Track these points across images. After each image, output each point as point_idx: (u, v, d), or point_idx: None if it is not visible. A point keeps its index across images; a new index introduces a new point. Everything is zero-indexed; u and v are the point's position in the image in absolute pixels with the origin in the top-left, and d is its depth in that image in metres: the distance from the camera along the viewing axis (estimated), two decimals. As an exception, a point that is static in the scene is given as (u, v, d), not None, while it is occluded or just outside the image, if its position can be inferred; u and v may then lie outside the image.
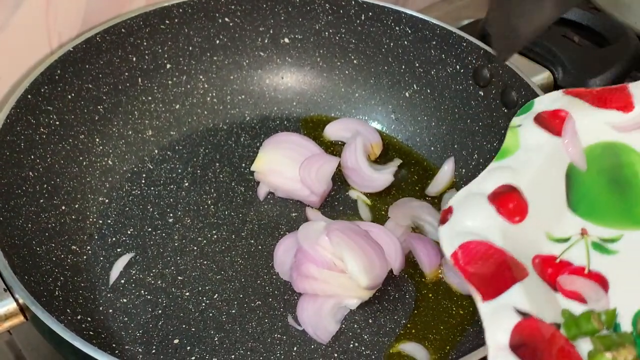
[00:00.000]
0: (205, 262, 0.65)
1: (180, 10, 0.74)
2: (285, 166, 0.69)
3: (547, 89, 0.76)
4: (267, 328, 0.60)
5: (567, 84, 0.75)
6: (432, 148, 0.76)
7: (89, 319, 0.59)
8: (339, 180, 0.73)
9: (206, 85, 0.78)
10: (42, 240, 0.61)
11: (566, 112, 0.61)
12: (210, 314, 0.61)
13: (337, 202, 0.71)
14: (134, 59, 0.73)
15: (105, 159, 0.71)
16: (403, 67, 0.77)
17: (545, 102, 0.63)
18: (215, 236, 0.67)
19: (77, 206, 0.66)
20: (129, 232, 0.67)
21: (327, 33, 0.78)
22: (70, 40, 0.70)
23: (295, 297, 0.62)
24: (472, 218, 0.55)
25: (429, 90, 0.76)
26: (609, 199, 0.59)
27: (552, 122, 0.61)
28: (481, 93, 0.72)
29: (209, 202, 0.70)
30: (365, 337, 0.61)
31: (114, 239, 0.66)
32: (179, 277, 0.63)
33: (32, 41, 0.69)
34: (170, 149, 0.74)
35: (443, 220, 0.55)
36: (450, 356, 0.60)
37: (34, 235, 0.60)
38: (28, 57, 0.69)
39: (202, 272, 0.64)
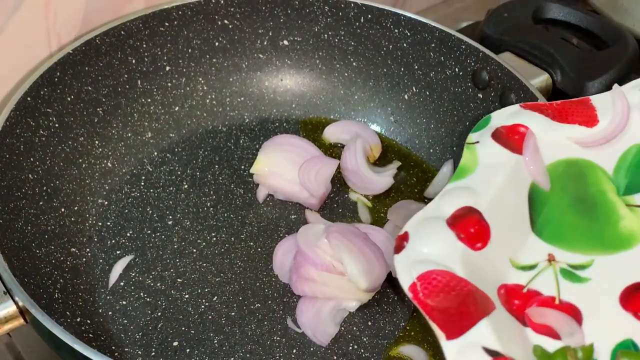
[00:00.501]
0: (204, 264, 0.65)
1: (180, 12, 0.74)
2: (284, 168, 0.69)
3: (546, 91, 0.76)
4: (267, 330, 0.61)
5: (566, 86, 0.75)
6: (431, 150, 0.76)
7: (89, 321, 0.59)
8: (338, 182, 0.73)
9: (205, 88, 0.78)
10: (41, 243, 0.61)
11: (526, 127, 0.57)
12: (210, 317, 0.61)
13: (337, 204, 0.71)
14: (134, 61, 0.73)
15: (105, 161, 0.71)
16: (402, 69, 0.77)
17: (503, 116, 0.59)
18: (214, 238, 0.67)
19: (76, 208, 0.66)
20: (128, 235, 0.67)
21: (326, 35, 0.78)
22: (69, 43, 0.70)
23: (295, 300, 0.62)
24: (430, 245, 0.50)
25: (428, 93, 0.76)
26: (576, 221, 0.55)
27: (511, 138, 0.57)
28: (480, 96, 0.72)
29: (209, 204, 0.70)
30: (365, 339, 0.61)
31: (113, 241, 0.66)
32: (179, 280, 0.63)
33: (31, 43, 0.69)
34: (169, 151, 0.74)
35: (398, 248, 0.50)
36: (450, 358, 0.60)
37: (33, 238, 0.60)
38: (27, 59, 0.69)
39: (201, 275, 0.64)
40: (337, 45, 0.79)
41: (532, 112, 0.59)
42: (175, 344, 0.59)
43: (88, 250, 0.65)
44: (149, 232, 0.67)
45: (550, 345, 0.49)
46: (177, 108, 0.76)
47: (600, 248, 0.55)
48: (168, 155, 0.74)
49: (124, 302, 0.61)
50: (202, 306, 0.62)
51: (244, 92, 0.79)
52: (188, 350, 0.59)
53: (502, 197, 0.54)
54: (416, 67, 0.76)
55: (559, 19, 0.86)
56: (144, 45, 0.73)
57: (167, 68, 0.75)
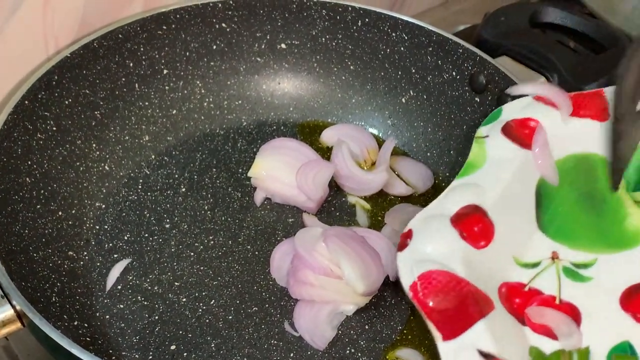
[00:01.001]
0: (202, 267, 0.65)
1: (178, 15, 0.74)
2: (282, 172, 0.69)
3: (543, 95, 0.76)
4: (264, 334, 0.61)
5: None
6: (429, 154, 0.76)
7: (86, 325, 0.59)
8: (336, 186, 0.73)
9: (203, 91, 0.78)
10: (38, 246, 0.61)
11: (536, 121, 0.57)
12: (207, 320, 0.61)
13: (334, 207, 0.71)
14: (131, 64, 0.73)
15: (102, 164, 0.71)
16: (399, 73, 0.77)
17: (514, 109, 0.59)
18: (212, 242, 0.67)
19: (73, 212, 0.66)
20: (125, 238, 0.67)
21: (323, 39, 0.78)
22: (67, 46, 0.70)
23: (292, 303, 0.62)
24: (433, 243, 0.50)
25: (425, 96, 0.76)
26: (583, 217, 0.55)
27: (521, 133, 0.57)
28: (477, 99, 0.72)
29: (206, 207, 0.70)
30: (362, 343, 0.61)
31: (110, 244, 0.66)
32: (176, 283, 0.63)
33: (28, 47, 0.69)
34: (167, 155, 0.74)
35: (402, 246, 0.50)
36: (447, 362, 0.60)
37: (30, 241, 0.60)
38: (25, 62, 0.69)
39: (199, 278, 0.64)
40: (334, 48, 0.79)
41: (544, 105, 0.58)
42: (173, 347, 0.59)
43: (85, 253, 0.65)
44: (147, 235, 0.67)
45: (548, 346, 0.49)
46: (174, 111, 0.76)
47: (604, 246, 0.54)
48: (165, 158, 0.74)
49: (122, 306, 0.61)
50: (200, 310, 0.62)
51: (242, 95, 0.79)
52: (185, 353, 0.59)
53: (509, 194, 0.54)
54: (413, 70, 0.76)
55: (555, 22, 0.86)
56: (142, 49, 0.73)
57: (165, 71, 0.75)
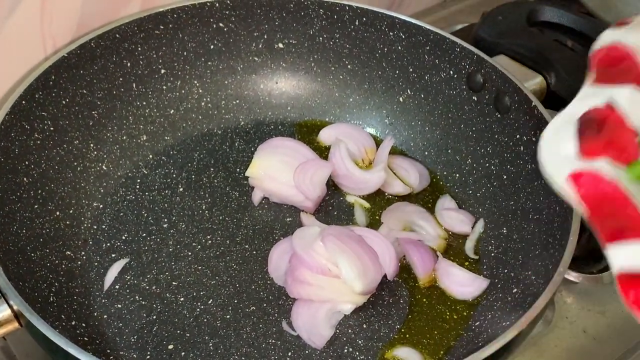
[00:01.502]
0: (199, 267, 0.65)
1: (175, 15, 0.74)
2: (279, 171, 0.69)
3: (540, 94, 0.76)
4: (262, 333, 0.61)
5: (560, 89, 0.75)
6: (426, 153, 0.76)
7: (84, 324, 0.59)
8: (334, 185, 0.73)
9: (200, 90, 0.78)
10: (36, 246, 0.61)
11: None
12: (205, 320, 0.61)
13: (332, 207, 0.71)
14: (129, 64, 0.73)
15: (100, 164, 0.71)
16: (397, 72, 0.77)
17: None
18: (209, 241, 0.67)
19: (71, 212, 0.66)
20: (123, 238, 0.67)
21: (321, 38, 0.78)
22: (64, 46, 0.70)
23: (290, 303, 0.62)
24: None
25: (422, 95, 0.76)
26: None
27: None
28: (474, 98, 0.72)
29: (204, 207, 0.70)
30: (360, 342, 0.61)
31: (108, 244, 0.66)
32: (174, 283, 0.63)
33: (26, 47, 0.69)
34: (164, 154, 0.74)
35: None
36: (444, 361, 0.60)
37: (28, 241, 0.60)
38: (22, 62, 0.69)
39: (196, 278, 0.64)
40: (332, 48, 0.79)
41: None
42: (171, 347, 0.59)
43: (83, 253, 0.65)
44: (144, 235, 0.67)
45: None
46: (172, 111, 0.76)
47: None
48: (163, 158, 0.74)
49: (119, 306, 0.61)
50: (198, 309, 0.62)
51: (239, 95, 0.79)
52: (183, 353, 0.59)
53: None
54: (411, 69, 0.76)
55: (553, 21, 0.86)
56: (139, 49, 0.73)
57: (162, 71, 0.75)
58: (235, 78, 0.79)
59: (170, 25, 0.74)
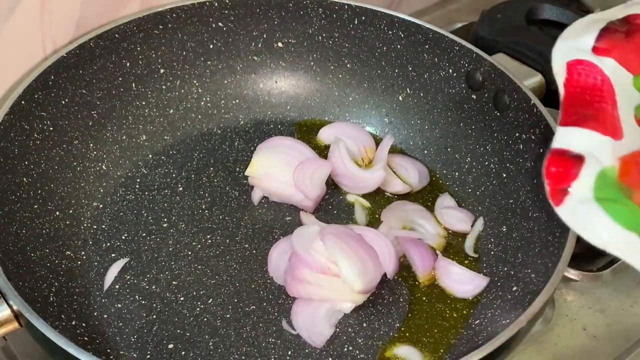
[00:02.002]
0: (199, 266, 0.65)
1: (174, 15, 0.74)
2: (279, 170, 0.69)
3: (539, 92, 0.76)
4: (262, 332, 0.61)
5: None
6: (426, 151, 0.76)
7: (84, 324, 0.59)
8: (333, 184, 0.73)
9: (200, 90, 0.78)
10: (36, 246, 0.61)
11: None
12: (205, 319, 0.61)
13: (331, 206, 0.71)
14: (128, 64, 0.73)
15: (100, 164, 0.71)
16: (396, 70, 0.77)
17: None
18: (209, 241, 0.67)
19: (71, 211, 0.66)
20: (123, 237, 0.67)
21: (320, 37, 0.78)
22: (64, 46, 0.70)
23: (290, 302, 0.62)
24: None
25: (422, 94, 0.76)
26: None
27: None
28: (474, 97, 0.72)
29: (203, 206, 0.70)
30: (360, 340, 0.61)
31: (108, 244, 0.66)
32: (174, 282, 0.64)
33: (25, 47, 0.69)
34: (164, 154, 0.74)
35: None
36: (444, 359, 0.60)
37: (28, 241, 0.60)
38: (22, 62, 0.69)
39: (196, 277, 0.64)
40: (331, 47, 0.79)
41: None
42: (171, 346, 0.59)
43: (83, 253, 0.65)
44: (144, 234, 0.67)
45: None
46: (171, 111, 0.76)
47: None
48: (163, 157, 0.74)
49: (119, 305, 0.62)
50: (197, 308, 0.62)
51: (239, 95, 0.79)
52: (183, 352, 0.59)
53: None
54: (410, 68, 0.76)
55: (552, 19, 0.86)
56: (138, 48, 0.73)
57: (162, 71, 0.75)
58: (235, 77, 0.79)
59: (170, 25, 0.74)
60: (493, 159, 0.71)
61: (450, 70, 0.74)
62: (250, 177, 0.70)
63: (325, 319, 0.60)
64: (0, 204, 0.59)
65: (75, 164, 0.68)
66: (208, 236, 0.67)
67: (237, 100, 0.79)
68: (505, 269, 0.65)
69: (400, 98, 0.78)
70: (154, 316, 0.61)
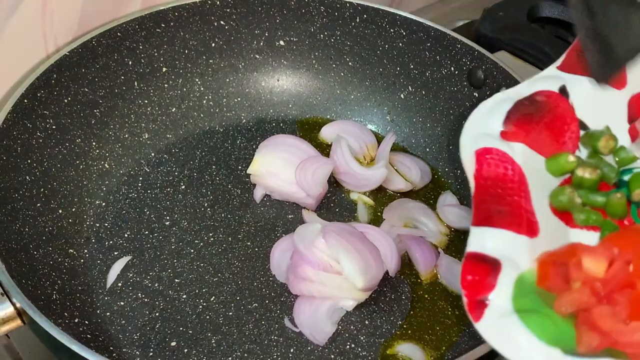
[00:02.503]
0: (202, 264, 0.65)
1: (176, 13, 0.74)
2: (281, 168, 0.69)
3: (541, 90, 0.76)
4: (264, 330, 0.61)
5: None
6: (428, 149, 0.76)
7: (87, 322, 0.59)
8: (335, 182, 0.73)
9: (202, 88, 0.78)
10: (39, 244, 0.61)
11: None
12: (207, 317, 0.61)
13: (333, 203, 0.72)
14: (130, 62, 0.73)
15: (102, 162, 0.71)
16: (398, 68, 0.77)
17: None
18: (212, 239, 0.67)
19: (74, 210, 0.67)
20: (126, 235, 0.67)
21: (322, 35, 0.78)
22: (66, 45, 0.70)
23: (292, 299, 0.63)
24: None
25: (424, 92, 0.77)
26: None
27: None
28: (475, 94, 0.72)
29: (206, 204, 0.70)
30: (362, 338, 0.61)
31: (111, 242, 0.66)
32: (176, 280, 0.64)
33: (28, 45, 0.69)
34: (166, 152, 0.74)
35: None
36: (447, 356, 0.60)
37: (31, 239, 0.60)
38: (24, 61, 0.69)
39: (199, 275, 0.64)
40: (333, 45, 0.79)
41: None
42: (173, 344, 0.59)
43: (86, 251, 0.65)
44: (147, 232, 0.67)
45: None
46: (174, 109, 0.76)
47: None
48: (165, 156, 0.74)
49: (122, 303, 0.62)
50: (200, 306, 0.62)
51: (241, 93, 0.80)
52: (186, 350, 0.59)
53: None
54: (412, 66, 0.76)
55: (554, 17, 0.86)
56: (141, 47, 0.73)
57: (164, 69, 0.76)
58: (237, 76, 0.79)
59: (172, 24, 0.74)
60: (495, 157, 0.71)
61: (452, 68, 0.74)
62: (253, 175, 0.70)
63: (327, 317, 0.60)
64: (3, 202, 0.59)
65: (77, 162, 0.69)
66: (210, 234, 0.68)
67: (239, 99, 0.79)
68: (507, 266, 0.64)
69: (402, 96, 0.78)
70: (157, 314, 0.61)
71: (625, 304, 0.43)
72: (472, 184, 0.49)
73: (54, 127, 0.67)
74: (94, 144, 0.70)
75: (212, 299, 0.63)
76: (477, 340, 0.58)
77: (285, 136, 0.73)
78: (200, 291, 0.63)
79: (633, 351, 0.42)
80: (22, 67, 0.69)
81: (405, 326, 0.62)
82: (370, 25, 0.77)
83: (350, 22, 0.77)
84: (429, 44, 0.75)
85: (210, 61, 0.78)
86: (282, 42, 0.79)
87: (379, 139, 0.77)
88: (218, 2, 0.75)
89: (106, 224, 0.67)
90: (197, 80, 0.78)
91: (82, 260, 0.64)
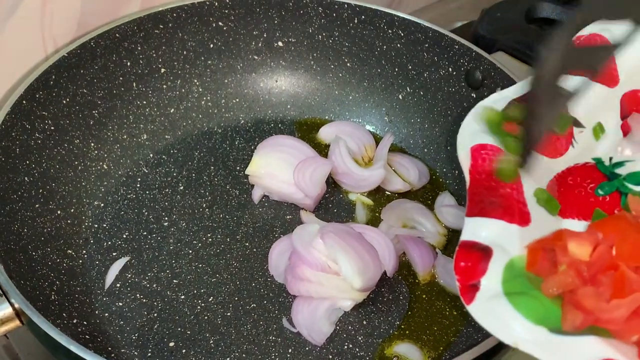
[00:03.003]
0: (200, 265, 0.65)
1: (174, 14, 0.74)
2: (279, 169, 0.69)
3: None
4: (262, 330, 0.61)
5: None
6: (426, 150, 0.77)
7: (85, 322, 0.59)
8: (333, 182, 0.73)
9: (200, 89, 0.78)
10: (37, 245, 0.61)
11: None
12: (206, 317, 0.61)
13: (331, 204, 0.72)
14: (129, 63, 0.73)
15: (101, 163, 0.71)
16: (396, 69, 0.77)
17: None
18: (210, 239, 0.67)
19: (72, 210, 0.67)
20: (124, 236, 0.67)
21: (320, 36, 0.79)
22: (65, 46, 0.70)
23: (290, 300, 0.63)
24: None
25: (422, 93, 0.77)
26: None
27: None
28: (473, 95, 0.73)
29: (204, 205, 0.70)
30: (360, 338, 0.61)
31: (109, 242, 0.66)
32: (174, 281, 0.64)
33: (26, 47, 0.69)
34: (165, 153, 0.75)
35: None
36: (444, 356, 0.60)
37: (29, 240, 0.61)
38: (23, 62, 0.70)
39: (197, 275, 0.64)
40: (331, 46, 0.79)
41: None
42: (172, 344, 0.59)
43: (84, 252, 0.65)
44: (145, 233, 0.67)
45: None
46: (172, 110, 0.77)
47: None
48: (164, 157, 0.74)
49: (120, 304, 0.62)
50: (198, 307, 0.62)
51: (239, 94, 0.80)
52: (184, 350, 0.59)
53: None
54: (410, 67, 0.77)
55: (552, 17, 0.86)
56: (139, 48, 0.73)
57: (162, 70, 0.76)
58: (235, 77, 0.79)
59: (170, 25, 0.74)
60: (493, 157, 0.71)
61: (450, 69, 0.74)
62: (251, 175, 0.71)
63: (325, 317, 0.61)
64: (1, 203, 0.59)
65: (76, 163, 0.69)
66: (209, 235, 0.68)
67: (237, 100, 0.79)
68: (505, 266, 0.65)
69: (400, 97, 0.78)
70: (155, 314, 0.61)
71: (608, 285, 0.45)
72: (467, 178, 0.51)
73: (52, 128, 0.67)
74: (92, 144, 0.71)
75: (210, 299, 0.63)
76: (475, 340, 0.58)
77: (283, 137, 0.73)
78: (199, 292, 0.63)
79: (615, 327, 0.44)
80: (21, 68, 0.70)
81: (403, 326, 0.62)
82: (368, 26, 0.77)
83: (349, 23, 0.77)
84: (427, 45, 0.75)
85: (209, 62, 0.78)
86: (280, 43, 0.79)
87: (377, 139, 0.77)
88: (216, 3, 0.75)
89: (105, 225, 0.67)
90: (195, 81, 0.78)
91: (80, 261, 0.64)
